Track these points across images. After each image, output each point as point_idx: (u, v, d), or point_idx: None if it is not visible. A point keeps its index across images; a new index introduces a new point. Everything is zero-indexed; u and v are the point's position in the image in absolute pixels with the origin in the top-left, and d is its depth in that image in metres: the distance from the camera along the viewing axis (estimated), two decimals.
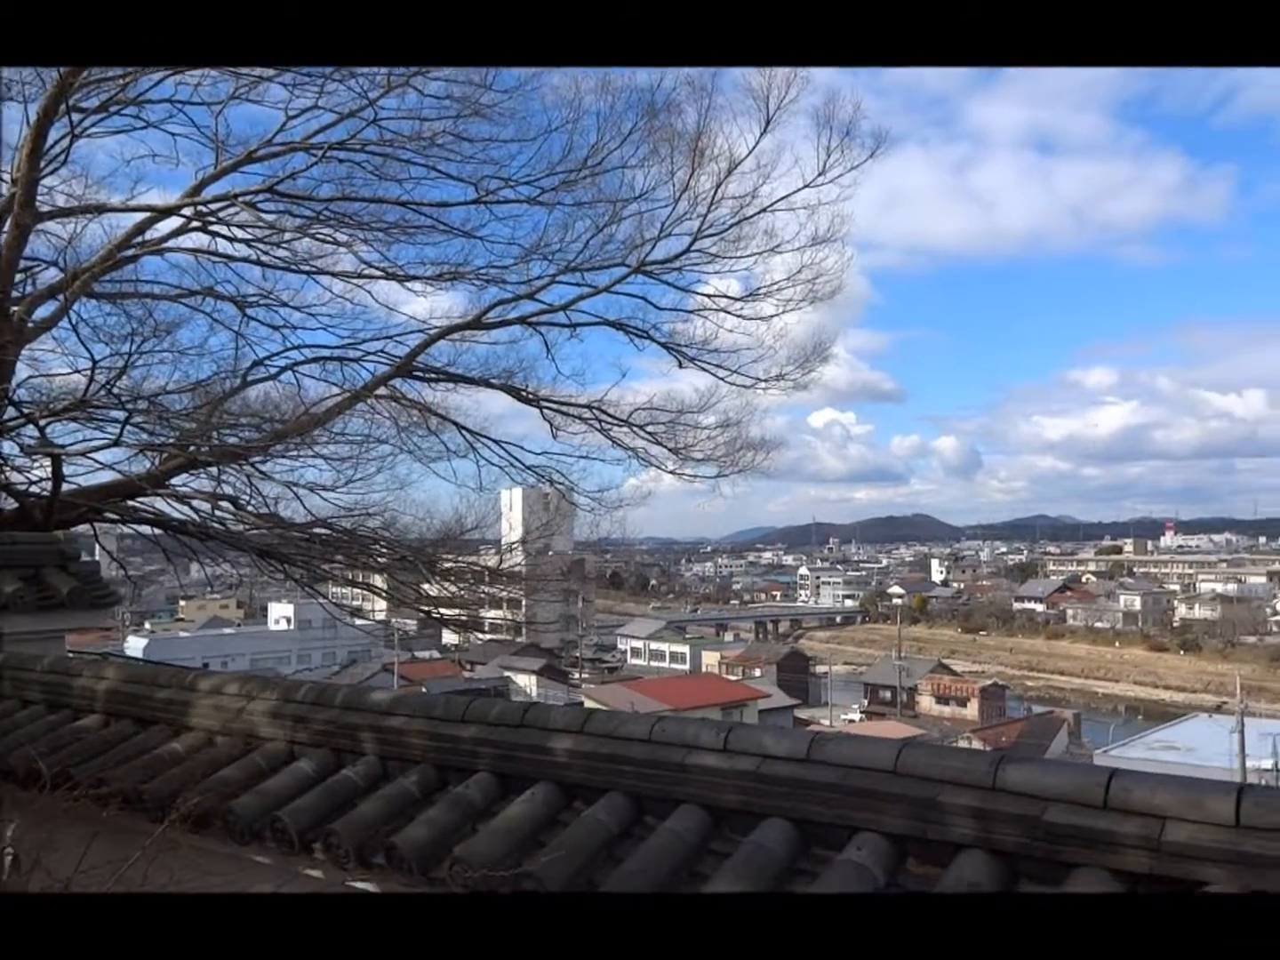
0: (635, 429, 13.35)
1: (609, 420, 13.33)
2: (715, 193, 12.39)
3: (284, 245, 12.17)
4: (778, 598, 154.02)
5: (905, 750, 2.73)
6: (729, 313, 13.17)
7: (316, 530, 12.02)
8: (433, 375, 13.03)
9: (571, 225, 12.56)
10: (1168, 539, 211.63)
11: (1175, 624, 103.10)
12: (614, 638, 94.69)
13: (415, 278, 12.84)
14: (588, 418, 13.39)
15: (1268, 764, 34.28)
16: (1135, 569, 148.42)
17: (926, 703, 67.99)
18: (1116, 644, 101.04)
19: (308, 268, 12.45)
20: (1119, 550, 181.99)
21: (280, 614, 78.47)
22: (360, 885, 3.18)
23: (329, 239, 12.22)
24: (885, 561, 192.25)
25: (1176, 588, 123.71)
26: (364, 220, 11.95)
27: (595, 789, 3.23)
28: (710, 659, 79.63)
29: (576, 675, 72.88)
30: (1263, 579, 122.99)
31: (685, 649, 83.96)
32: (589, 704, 40.84)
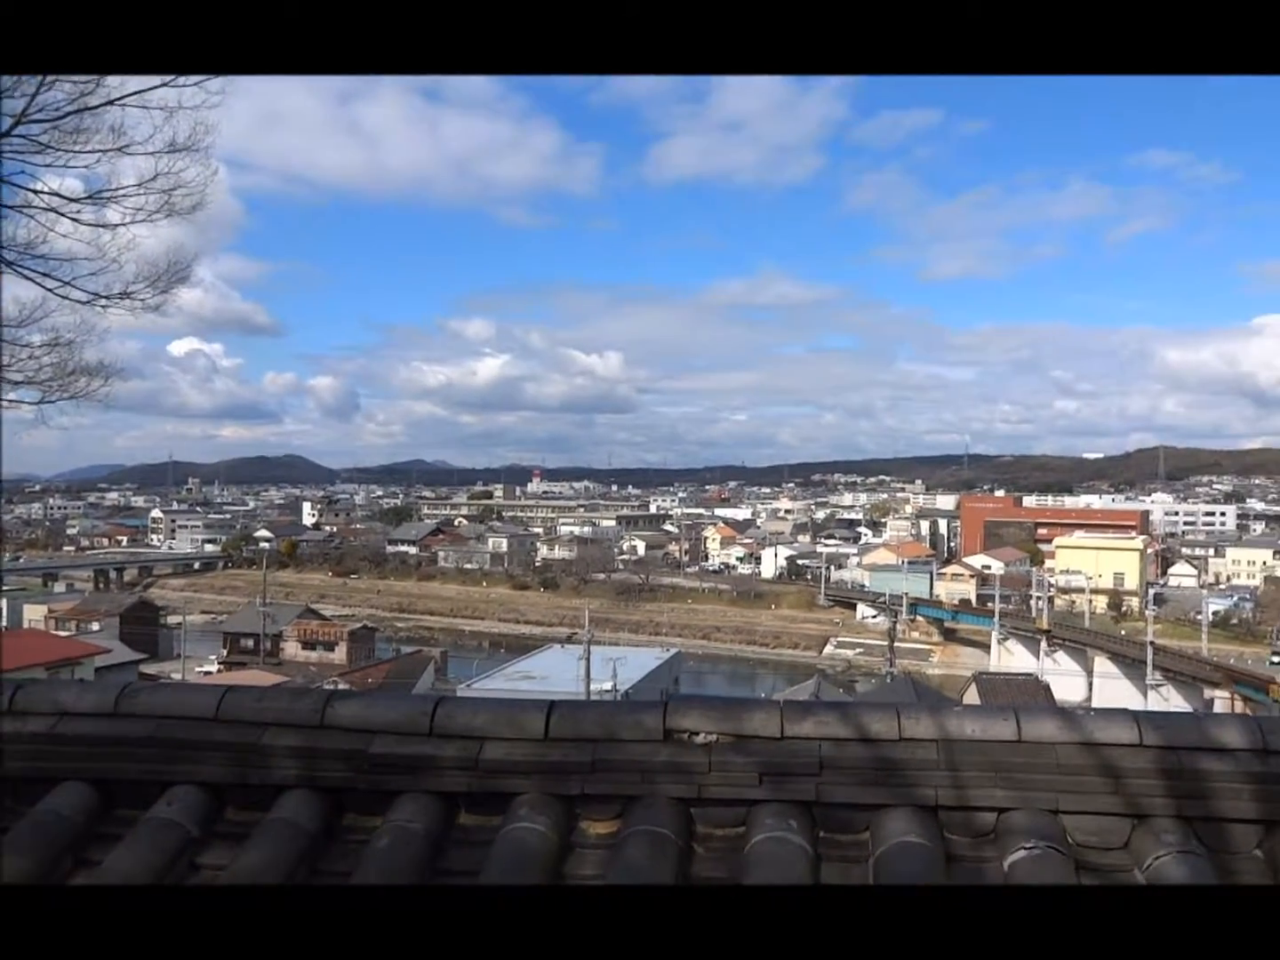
0: None
1: None
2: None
3: None
4: (124, 543, 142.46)
5: (229, 695, 2.66)
6: (62, 214, 11.55)
7: None
8: None
9: None
10: (535, 485, 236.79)
11: (537, 564, 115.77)
12: None
13: None
14: None
15: (608, 685, 40.33)
16: (505, 513, 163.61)
17: (293, 649, 68.08)
18: (484, 584, 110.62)
19: None
20: (490, 495, 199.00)
21: None
22: None
23: None
24: (253, 504, 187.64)
25: (540, 530, 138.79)
26: None
27: None
28: (35, 613, 71.30)
29: None
30: (613, 522, 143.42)
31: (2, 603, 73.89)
32: None
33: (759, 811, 2.51)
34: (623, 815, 2.53)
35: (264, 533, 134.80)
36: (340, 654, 66.03)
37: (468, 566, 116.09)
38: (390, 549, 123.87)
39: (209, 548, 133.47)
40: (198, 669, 60.88)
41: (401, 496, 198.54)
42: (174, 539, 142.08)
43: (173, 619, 74.90)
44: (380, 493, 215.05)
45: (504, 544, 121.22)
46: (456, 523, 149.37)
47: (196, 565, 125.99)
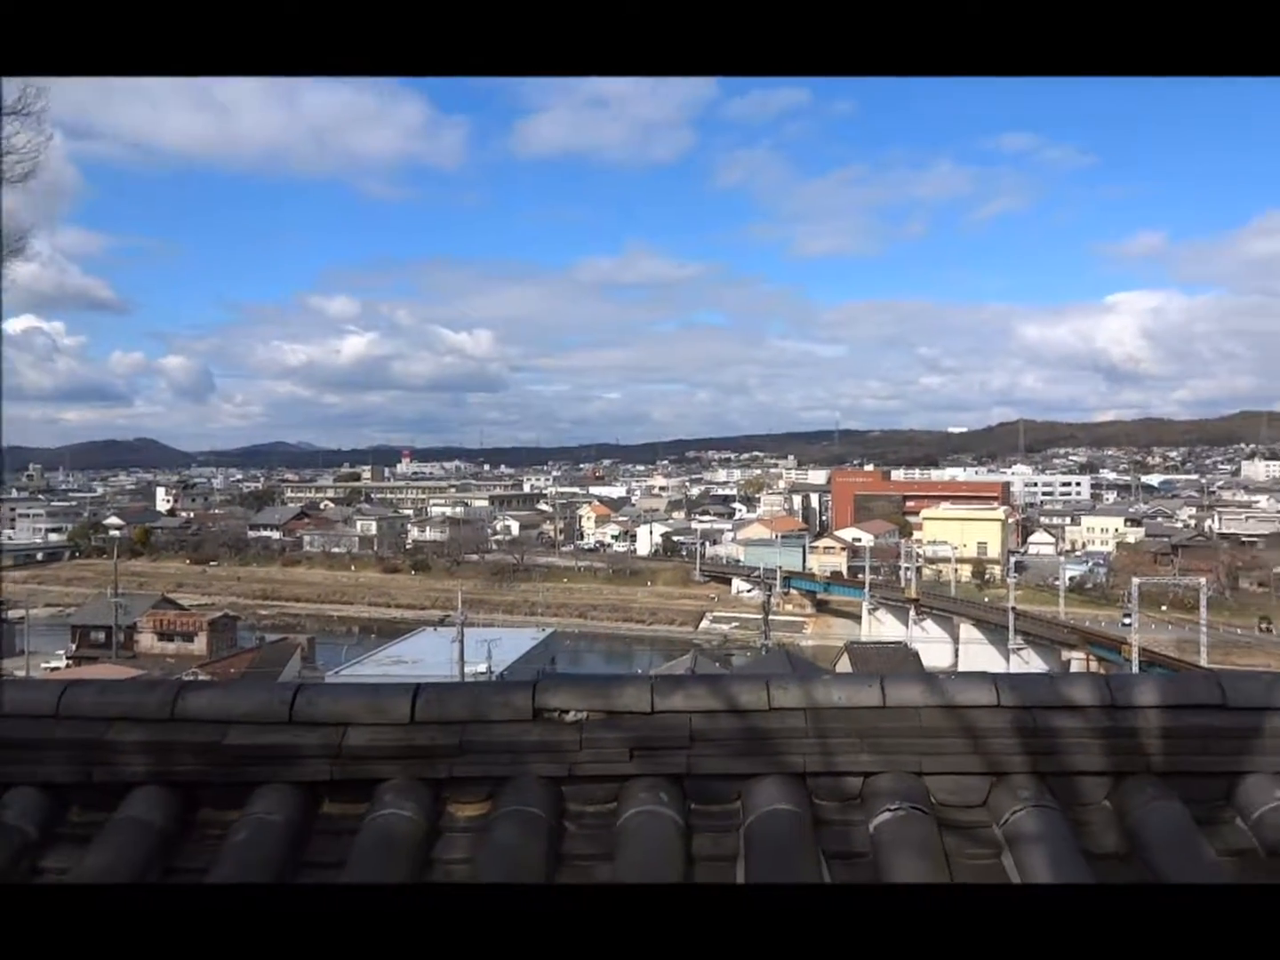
0: None
1: None
2: None
3: None
4: None
5: (69, 690, 2.55)
6: None
7: None
8: None
9: None
10: (404, 466, 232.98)
11: (408, 546, 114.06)
12: None
13: None
14: None
15: (483, 667, 40.08)
16: (373, 495, 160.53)
17: (148, 640, 65.57)
18: (353, 568, 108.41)
19: None
20: (358, 477, 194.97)
21: None
22: None
23: None
24: (101, 490, 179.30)
25: (410, 512, 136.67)
26: None
27: None
28: None
29: None
30: (485, 502, 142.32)
31: None
32: None
33: (631, 786, 2.54)
34: (493, 797, 2.52)
35: (114, 520, 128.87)
36: (200, 644, 63.87)
37: (335, 550, 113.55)
38: (252, 534, 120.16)
39: (54, 537, 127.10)
40: (43, 665, 58.01)
41: (263, 480, 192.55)
42: (13, 529, 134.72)
43: (15, 613, 71.17)
44: (240, 476, 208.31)
45: (373, 526, 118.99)
46: (322, 506, 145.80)
47: (40, 556, 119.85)
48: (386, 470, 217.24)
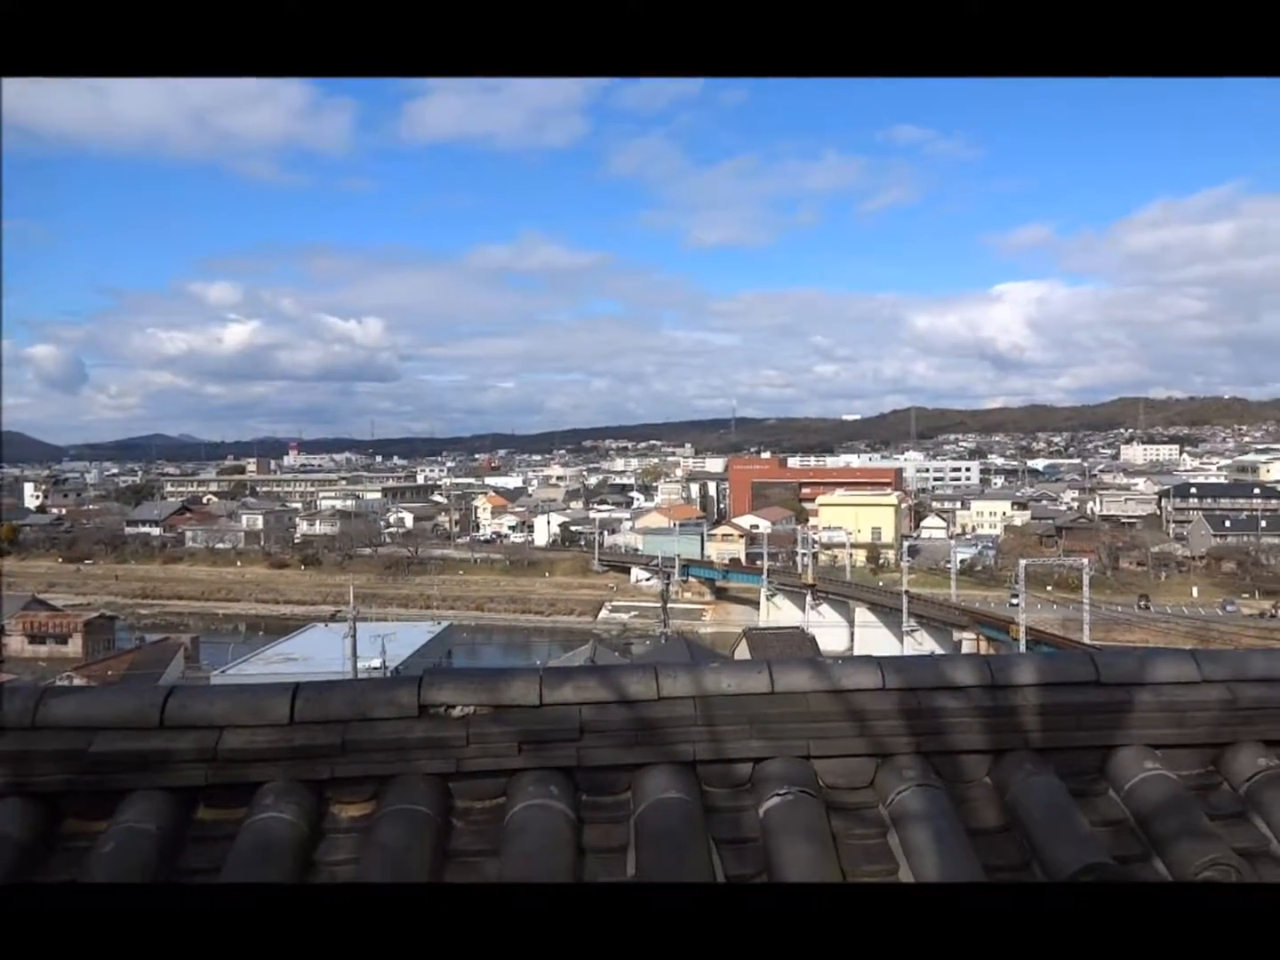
0: None
1: None
2: None
3: None
4: None
5: None
6: None
7: None
8: None
9: None
10: (291, 458, 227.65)
11: (297, 541, 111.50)
12: None
13: None
14: None
15: (377, 662, 39.41)
16: (259, 488, 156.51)
17: (18, 644, 62.87)
18: (239, 564, 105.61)
19: None
20: (243, 470, 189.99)
21: None
22: None
23: None
24: None
25: (299, 505, 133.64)
26: None
27: None
28: None
29: None
30: (378, 494, 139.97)
31: None
32: None
33: (520, 780, 2.52)
34: (377, 796, 2.49)
35: None
36: (75, 647, 61.51)
37: (220, 546, 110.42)
38: (130, 530, 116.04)
39: None
40: None
41: (141, 474, 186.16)
42: None
43: None
44: (116, 470, 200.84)
45: (259, 521, 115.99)
46: (205, 500, 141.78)
47: None
48: (273, 463, 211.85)
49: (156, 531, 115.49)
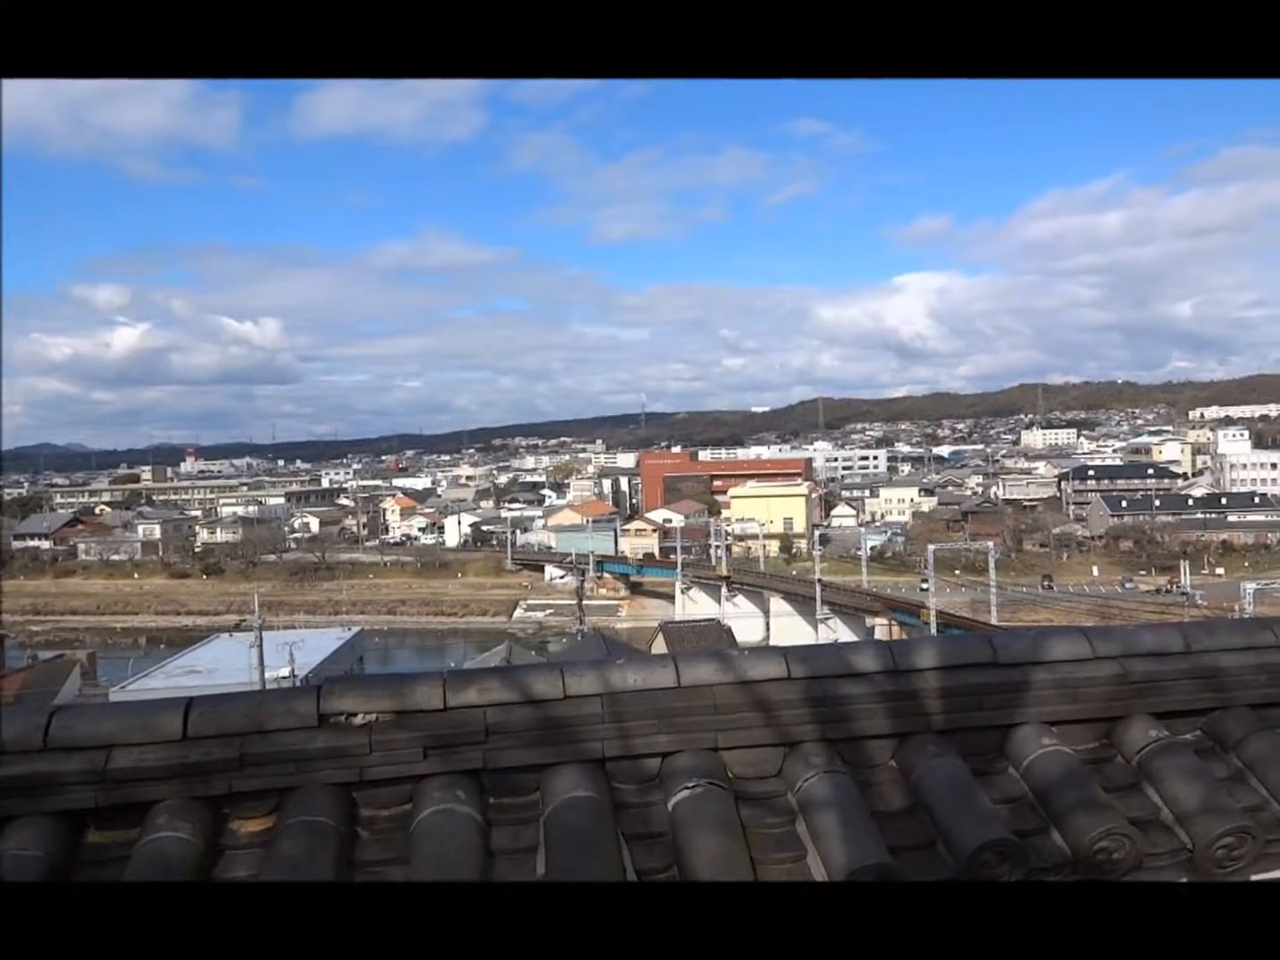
0: None
1: None
2: None
3: None
4: None
5: None
6: None
7: None
8: None
9: None
10: (189, 465, 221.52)
11: (198, 550, 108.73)
12: None
13: None
14: None
15: (285, 671, 38.60)
16: (155, 497, 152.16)
17: None
18: (136, 575, 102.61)
19: None
20: (137, 479, 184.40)
21: None
22: None
23: None
24: None
25: (199, 513, 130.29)
26: None
27: None
28: None
29: None
30: (281, 499, 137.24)
31: None
32: None
33: (425, 786, 2.50)
34: (278, 809, 2.44)
35: None
36: None
37: (115, 558, 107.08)
38: (17, 544, 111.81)
39: None
40: None
41: (27, 485, 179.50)
42: None
43: None
44: (2, 482, 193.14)
45: (156, 530, 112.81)
46: (98, 510, 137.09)
47: None
48: (169, 470, 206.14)
49: (46, 545, 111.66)
